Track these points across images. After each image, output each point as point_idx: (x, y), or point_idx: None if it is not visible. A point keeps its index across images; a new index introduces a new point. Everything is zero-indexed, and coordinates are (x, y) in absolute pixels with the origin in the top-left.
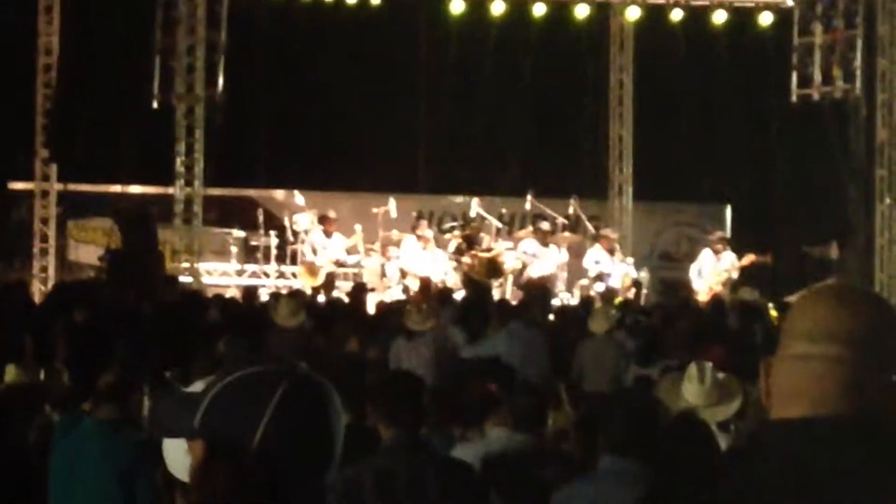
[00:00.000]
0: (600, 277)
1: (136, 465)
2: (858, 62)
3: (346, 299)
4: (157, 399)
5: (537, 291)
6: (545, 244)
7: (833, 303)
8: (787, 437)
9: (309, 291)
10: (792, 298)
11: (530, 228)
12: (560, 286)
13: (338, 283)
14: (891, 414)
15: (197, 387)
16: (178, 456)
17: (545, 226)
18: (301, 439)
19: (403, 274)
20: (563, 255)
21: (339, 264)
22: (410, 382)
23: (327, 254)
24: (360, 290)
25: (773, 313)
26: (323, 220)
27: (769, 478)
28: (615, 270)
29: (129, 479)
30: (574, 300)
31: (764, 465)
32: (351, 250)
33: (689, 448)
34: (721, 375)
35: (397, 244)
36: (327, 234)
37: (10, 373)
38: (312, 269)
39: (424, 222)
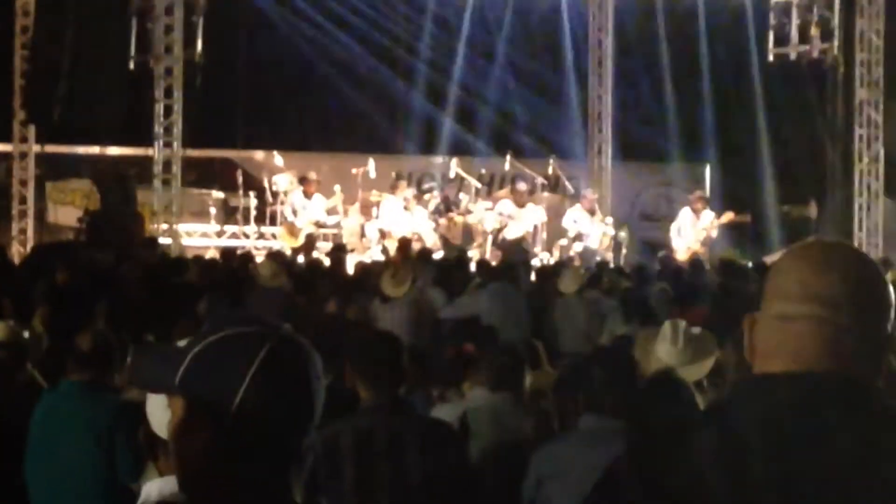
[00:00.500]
0: (579, 237)
1: (114, 427)
2: (836, 21)
3: (326, 260)
4: (140, 352)
5: (515, 252)
6: (522, 205)
7: (815, 263)
8: (765, 391)
9: (289, 252)
10: (771, 258)
11: (508, 189)
12: (537, 246)
13: (318, 244)
14: (869, 372)
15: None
16: (160, 414)
17: (522, 186)
18: (282, 400)
19: (383, 234)
20: (540, 215)
21: (319, 225)
22: (389, 343)
23: (307, 215)
24: (339, 251)
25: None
26: (303, 181)
27: (745, 431)
28: (594, 230)
29: (108, 441)
30: (553, 260)
31: (741, 419)
32: (331, 211)
33: (666, 405)
34: (696, 332)
35: (376, 205)
36: (307, 195)
37: (2, 329)
38: (293, 230)
39: (404, 183)
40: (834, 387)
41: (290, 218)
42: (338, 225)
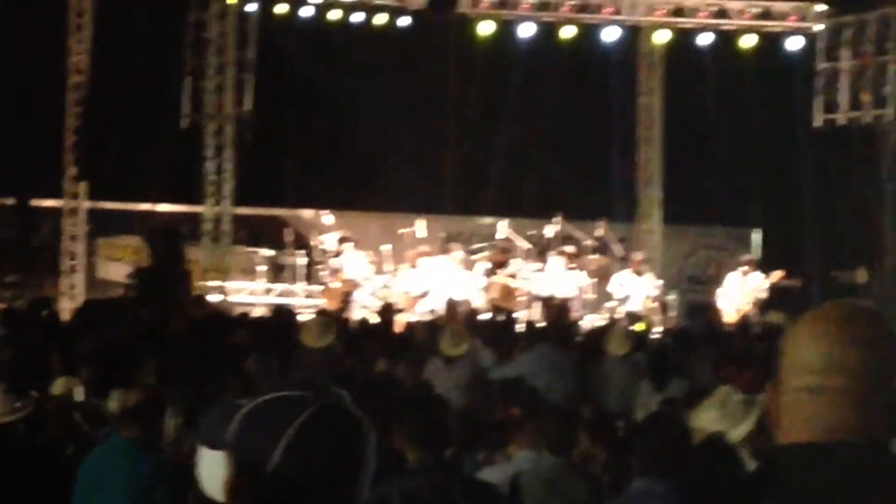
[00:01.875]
0: (626, 300)
1: (152, 485)
2: (889, 86)
3: (376, 319)
4: (206, 408)
5: (562, 314)
6: (570, 267)
7: (834, 331)
8: (806, 462)
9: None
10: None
11: (557, 251)
12: (581, 309)
13: (364, 301)
14: (887, 431)
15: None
16: (212, 475)
17: (569, 248)
18: (321, 464)
19: (431, 295)
20: (583, 279)
21: (355, 284)
22: (436, 405)
23: (344, 274)
24: (388, 311)
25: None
26: (341, 241)
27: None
28: (639, 293)
29: (146, 499)
30: (601, 322)
31: (786, 491)
32: (378, 269)
33: (716, 470)
34: (737, 398)
35: (425, 265)
36: (339, 254)
37: (58, 385)
38: (332, 293)
39: (456, 245)
40: (868, 455)
41: (329, 280)
42: (385, 285)
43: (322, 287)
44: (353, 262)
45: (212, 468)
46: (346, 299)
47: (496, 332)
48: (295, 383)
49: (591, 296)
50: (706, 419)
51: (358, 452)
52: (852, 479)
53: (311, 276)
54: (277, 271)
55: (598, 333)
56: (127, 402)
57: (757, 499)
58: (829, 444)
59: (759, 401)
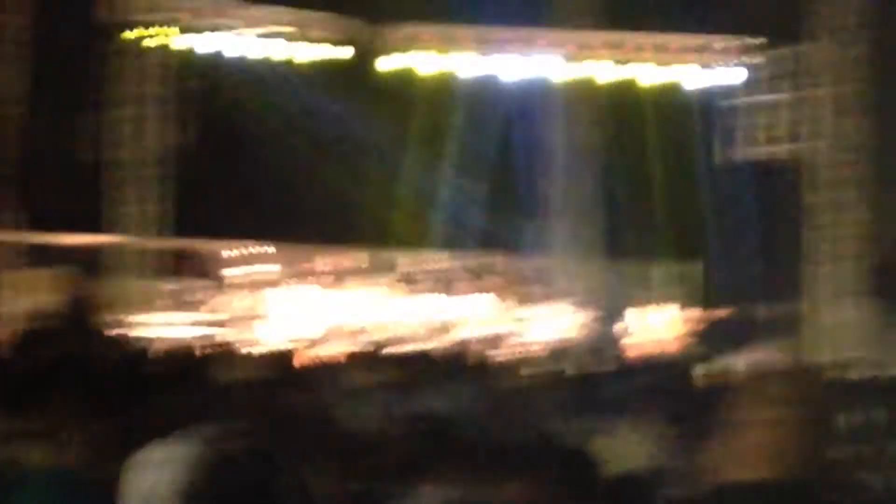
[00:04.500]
0: (542, 333)
1: None
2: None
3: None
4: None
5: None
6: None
7: (774, 377)
8: (744, 500)
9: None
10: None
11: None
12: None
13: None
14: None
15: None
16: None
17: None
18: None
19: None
20: (493, 311)
21: (297, 318)
22: (342, 438)
23: (288, 309)
24: (294, 344)
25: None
26: (278, 276)
27: None
28: (547, 325)
29: None
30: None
31: None
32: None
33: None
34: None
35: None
36: (283, 287)
37: None
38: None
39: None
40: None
41: (271, 314)
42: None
43: (230, 318)
44: (299, 298)
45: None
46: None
47: (404, 365)
48: (205, 420)
49: (504, 329)
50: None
51: (261, 487)
52: None
53: (214, 308)
54: (184, 304)
55: (505, 366)
56: (39, 430)
57: None
58: (763, 482)
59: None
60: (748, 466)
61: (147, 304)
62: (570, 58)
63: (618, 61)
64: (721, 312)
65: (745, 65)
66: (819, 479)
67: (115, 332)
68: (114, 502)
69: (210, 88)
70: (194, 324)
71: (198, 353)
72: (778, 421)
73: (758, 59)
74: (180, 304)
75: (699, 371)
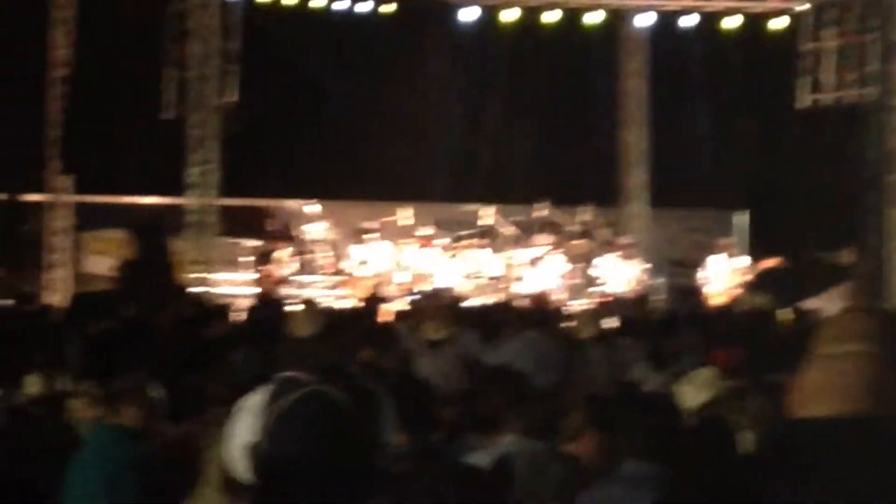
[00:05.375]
0: (611, 284)
1: (124, 473)
2: (873, 66)
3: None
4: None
5: (545, 300)
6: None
7: (853, 312)
8: (816, 436)
9: (357, 304)
10: (807, 304)
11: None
12: (561, 294)
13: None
14: None
15: None
16: (240, 458)
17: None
18: (300, 445)
19: (417, 282)
20: (563, 264)
21: (379, 275)
22: (421, 390)
23: (371, 265)
24: (373, 299)
25: (789, 318)
26: (360, 232)
27: (800, 476)
28: (624, 275)
29: (115, 487)
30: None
31: (795, 464)
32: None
33: (710, 449)
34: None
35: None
36: (364, 244)
37: (31, 383)
38: (356, 282)
39: (437, 231)
40: (878, 429)
41: (356, 269)
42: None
43: (345, 278)
44: (379, 253)
45: (236, 456)
46: (374, 291)
47: (482, 319)
48: (282, 375)
49: (576, 281)
50: (693, 395)
51: (343, 436)
52: (855, 454)
53: (303, 266)
54: (263, 262)
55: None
56: (111, 391)
57: (754, 476)
58: (837, 418)
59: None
60: (827, 403)
61: (225, 263)
62: (635, 6)
63: (698, 6)
64: (791, 259)
65: (811, 9)
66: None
67: (192, 290)
68: (191, 460)
69: (273, 43)
70: (272, 281)
71: (277, 309)
72: (857, 356)
73: (823, 2)
74: (258, 261)
75: (777, 315)
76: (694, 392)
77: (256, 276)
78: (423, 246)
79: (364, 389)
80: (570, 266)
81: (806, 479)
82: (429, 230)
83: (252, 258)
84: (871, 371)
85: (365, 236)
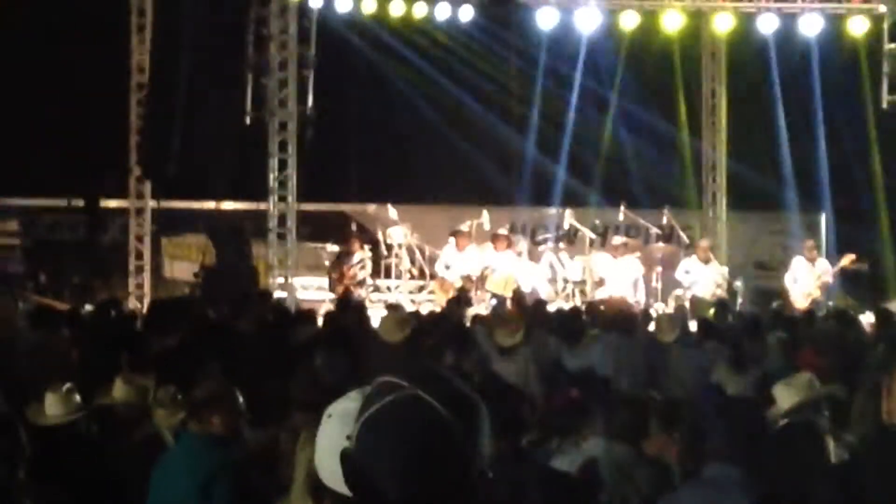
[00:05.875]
0: (692, 287)
1: (215, 481)
2: None
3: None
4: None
5: (625, 303)
6: (616, 257)
7: None
8: None
9: (440, 307)
10: (890, 305)
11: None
12: (636, 296)
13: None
14: None
15: None
16: (328, 464)
17: (616, 240)
18: (390, 450)
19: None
20: (637, 268)
21: (469, 279)
22: (510, 394)
23: (458, 269)
24: (457, 303)
25: (873, 320)
26: (455, 234)
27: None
28: (706, 279)
29: (210, 492)
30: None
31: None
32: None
33: (800, 452)
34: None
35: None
36: (459, 248)
37: (118, 388)
38: (444, 286)
39: (518, 236)
40: None
41: (442, 273)
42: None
43: (435, 283)
44: (467, 257)
45: (327, 461)
46: (464, 294)
47: (564, 322)
48: (378, 380)
49: (656, 284)
50: (788, 398)
51: (440, 445)
52: None
53: (376, 271)
54: (339, 265)
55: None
56: (195, 398)
57: (848, 481)
58: None
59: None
60: None
61: (306, 267)
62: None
63: (780, 8)
64: (867, 261)
65: (893, 9)
66: None
67: (273, 295)
68: (273, 466)
69: (351, 50)
70: (349, 284)
71: (360, 314)
72: None
73: None
74: (333, 264)
75: (861, 319)
76: (789, 394)
77: (332, 279)
78: (499, 249)
79: (463, 396)
80: (651, 269)
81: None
82: (504, 231)
83: (330, 262)
84: None
85: (461, 240)
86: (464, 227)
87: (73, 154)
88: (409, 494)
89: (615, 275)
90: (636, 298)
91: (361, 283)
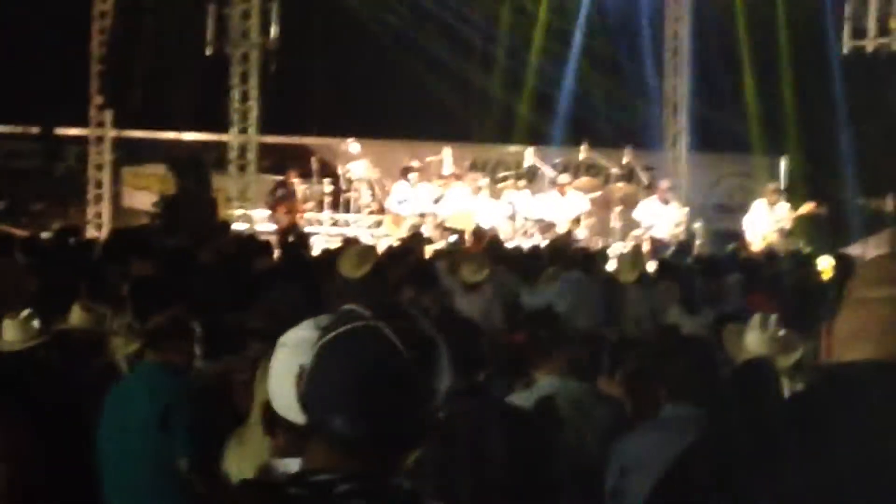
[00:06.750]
0: (652, 227)
1: (173, 408)
2: None
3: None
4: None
5: (568, 242)
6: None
7: (892, 257)
8: (852, 381)
9: (396, 242)
10: (850, 250)
11: (584, 179)
12: (585, 235)
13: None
14: None
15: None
16: (284, 394)
17: (561, 179)
18: (343, 378)
19: (456, 222)
20: (584, 204)
21: (423, 215)
22: (469, 328)
23: (411, 204)
24: (415, 239)
25: (831, 264)
26: (406, 170)
27: (835, 421)
28: (664, 219)
29: (169, 419)
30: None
31: (830, 409)
32: (438, 199)
33: (752, 394)
34: (774, 324)
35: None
36: (409, 183)
37: (75, 314)
38: (397, 220)
39: (477, 173)
40: None
41: (395, 208)
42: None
43: (387, 216)
44: (419, 193)
45: (282, 391)
46: (415, 231)
47: (522, 261)
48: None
49: (615, 224)
50: (752, 343)
51: (389, 375)
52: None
53: (336, 205)
54: (303, 199)
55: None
56: (152, 328)
57: (790, 420)
58: (874, 362)
59: (794, 333)
60: (862, 347)
61: (263, 200)
62: None
63: None
64: (827, 206)
65: None
66: None
67: (229, 227)
68: (228, 395)
69: None
70: (310, 220)
71: (318, 247)
72: (891, 301)
73: None
74: (295, 200)
75: (817, 262)
76: (760, 340)
77: (273, 213)
78: (455, 183)
79: (422, 334)
80: (610, 209)
81: (836, 425)
82: (463, 169)
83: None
84: None
85: (407, 175)
86: (414, 163)
87: (32, 81)
88: (358, 423)
89: (560, 213)
90: (595, 236)
91: (301, 215)
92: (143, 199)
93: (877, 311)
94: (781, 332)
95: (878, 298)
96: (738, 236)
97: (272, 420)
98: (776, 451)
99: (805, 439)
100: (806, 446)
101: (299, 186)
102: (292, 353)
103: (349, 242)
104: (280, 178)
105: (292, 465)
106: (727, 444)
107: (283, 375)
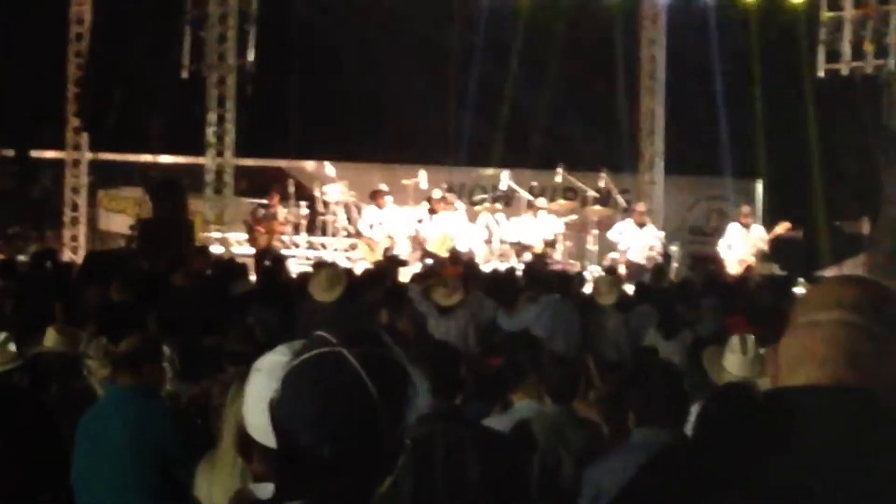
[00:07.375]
0: (628, 251)
1: (143, 432)
2: (892, 37)
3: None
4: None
5: (542, 265)
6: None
7: (842, 280)
8: (796, 406)
9: (371, 266)
10: (824, 274)
11: (560, 202)
12: (560, 257)
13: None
14: (890, 381)
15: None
16: (258, 419)
17: (540, 202)
18: (311, 405)
19: (431, 246)
20: (558, 226)
21: (393, 238)
22: (447, 352)
23: (383, 228)
24: (391, 262)
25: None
26: (375, 194)
27: (777, 449)
28: (640, 242)
29: (137, 446)
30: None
31: (772, 437)
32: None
33: (735, 416)
34: (753, 345)
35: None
36: (379, 207)
37: (50, 337)
38: (372, 244)
39: (453, 195)
40: (855, 400)
41: (367, 232)
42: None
43: (361, 241)
44: (389, 216)
45: (257, 416)
46: (389, 254)
47: (498, 284)
48: (314, 335)
49: (592, 246)
50: (732, 365)
51: (349, 403)
52: (828, 427)
53: (312, 228)
54: (262, 219)
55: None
56: (124, 350)
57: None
58: (813, 387)
59: None
60: (805, 371)
61: (242, 223)
62: None
63: None
64: (808, 229)
65: None
66: (880, 386)
67: (206, 250)
68: (204, 418)
69: (292, 4)
70: (287, 244)
71: (292, 270)
72: (842, 325)
73: None
74: (275, 222)
75: (790, 286)
76: (740, 362)
77: (252, 233)
78: (434, 210)
79: (391, 362)
80: (587, 232)
81: (777, 452)
82: (441, 193)
83: (267, 218)
84: (856, 342)
85: (381, 199)
86: (383, 187)
87: (7, 104)
88: (321, 448)
89: (536, 236)
90: (553, 257)
91: (278, 237)
92: (119, 222)
93: (822, 335)
94: (761, 353)
95: (824, 322)
96: (713, 259)
97: (248, 445)
98: (715, 479)
99: (746, 467)
100: (748, 475)
101: (280, 209)
102: (266, 377)
103: (320, 266)
104: (262, 200)
105: (267, 490)
106: (667, 471)
107: (257, 400)
